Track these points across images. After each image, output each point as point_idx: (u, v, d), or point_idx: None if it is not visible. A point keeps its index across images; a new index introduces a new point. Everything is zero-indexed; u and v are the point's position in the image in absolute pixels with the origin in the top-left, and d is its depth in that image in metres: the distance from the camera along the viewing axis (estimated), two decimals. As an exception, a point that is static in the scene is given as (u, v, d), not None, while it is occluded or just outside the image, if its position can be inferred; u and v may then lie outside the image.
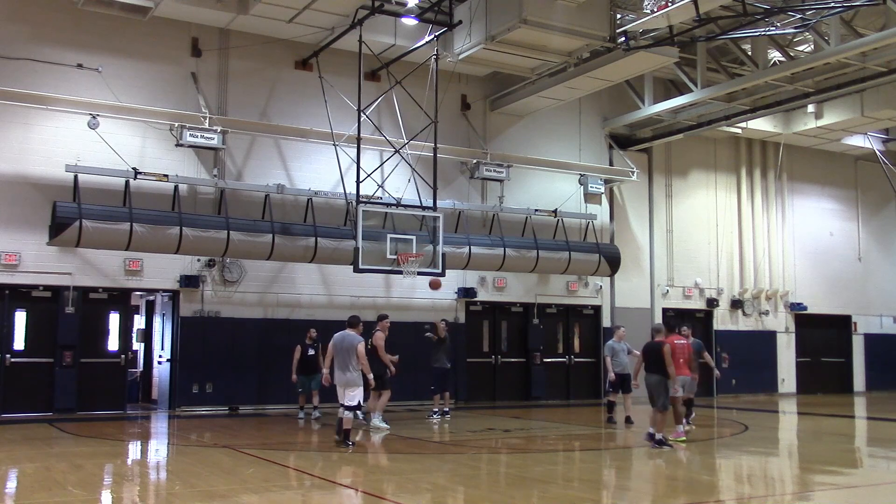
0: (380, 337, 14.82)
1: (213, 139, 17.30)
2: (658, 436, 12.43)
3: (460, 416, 17.17)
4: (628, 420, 15.58)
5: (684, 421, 13.64)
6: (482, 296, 21.00)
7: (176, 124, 17.22)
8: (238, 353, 18.04)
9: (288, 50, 18.71)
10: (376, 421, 14.65)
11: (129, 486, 9.60)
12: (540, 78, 19.82)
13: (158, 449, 13.48)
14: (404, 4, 16.93)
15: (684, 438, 13.04)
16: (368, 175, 16.84)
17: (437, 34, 17.19)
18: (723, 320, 24.65)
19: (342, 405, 12.24)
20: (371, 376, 12.58)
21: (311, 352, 16.27)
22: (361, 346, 12.23)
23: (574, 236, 21.42)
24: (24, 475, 9.98)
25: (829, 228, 26.92)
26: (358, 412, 13.33)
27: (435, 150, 17.21)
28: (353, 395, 12.15)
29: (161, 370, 18.78)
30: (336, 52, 18.52)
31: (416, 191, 17.21)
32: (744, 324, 25.01)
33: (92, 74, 16.98)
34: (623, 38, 17.13)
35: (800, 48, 21.03)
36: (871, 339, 27.22)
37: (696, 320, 24.27)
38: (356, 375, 12.18)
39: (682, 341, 14.13)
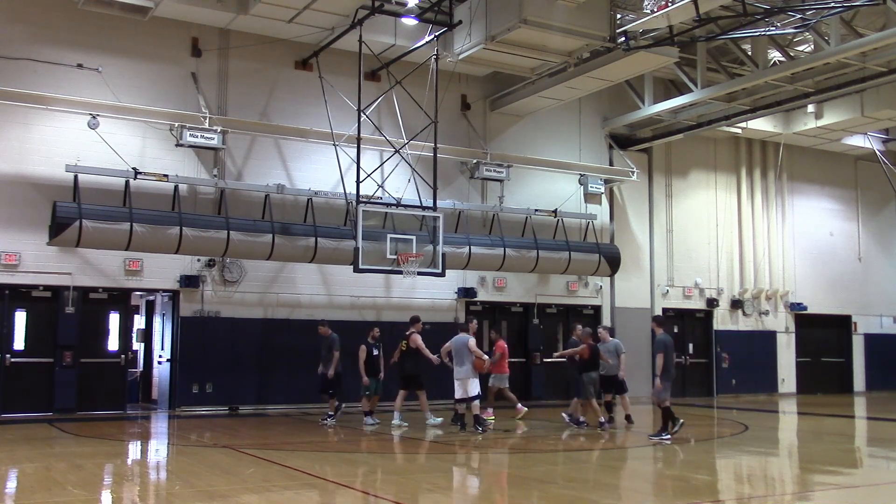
0: (417, 338, 15.23)
1: (213, 139, 17.29)
2: (582, 418, 15.19)
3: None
4: (628, 419, 15.57)
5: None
6: (482, 296, 20.99)
7: (176, 124, 17.22)
8: (238, 353, 18.02)
9: (288, 50, 18.69)
10: (396, 420, 15.12)
11: (129, 486, 9.59)
12: (540, 78, 19.81)
13: (158, 449, 13.47)
14: (404, 4, 16.91)
15: (493, 418, 15.42)
16: (368, 175, 16.84)
17: (437, 34, 17.18)
18: (723, 320, 24.64)
19: (456, 399, 14.26)
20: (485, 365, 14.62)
21: (375, 352, 15.57)
22: (472, 342, 14.28)
23: (574, 236, 21.41)
24: (24, 475, 9.98)
25: (829, 228, 26.92)
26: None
27: (435, 150, 17.21)
28: (473, 386, 14.00)
29: (161, 370, 18.77)
30: (336, 52, 18.51)
31: (416, 191, 17.20)
32: (744, 324, 25.00)
33: (92, 74, 16.98)
34: (623, 38, 17.11)
35: (800, 48, 21.02)
36: (871, 339, 27.21)
37: (696, 320, 24.31)
38: (471, 369, 14.19)
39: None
